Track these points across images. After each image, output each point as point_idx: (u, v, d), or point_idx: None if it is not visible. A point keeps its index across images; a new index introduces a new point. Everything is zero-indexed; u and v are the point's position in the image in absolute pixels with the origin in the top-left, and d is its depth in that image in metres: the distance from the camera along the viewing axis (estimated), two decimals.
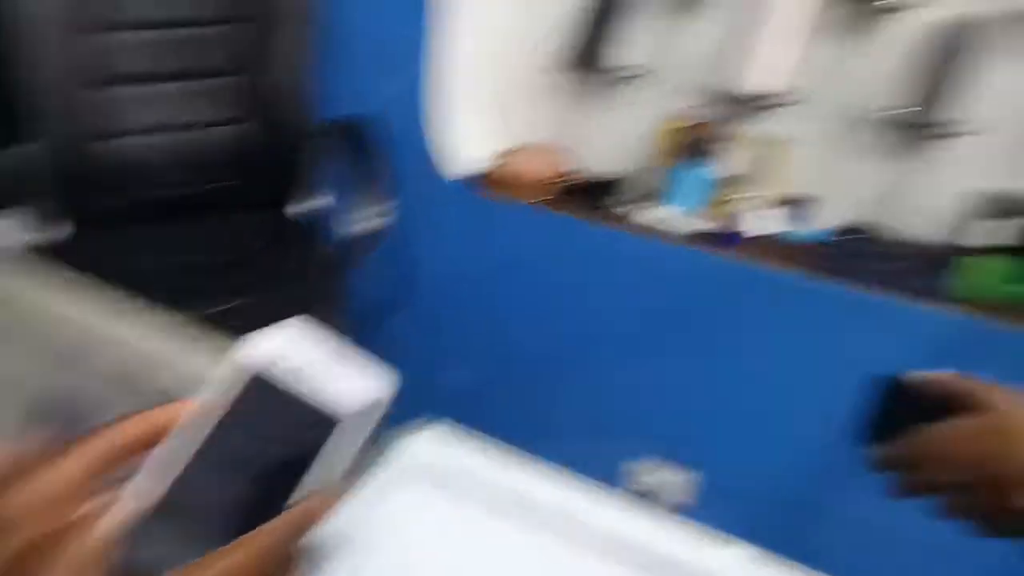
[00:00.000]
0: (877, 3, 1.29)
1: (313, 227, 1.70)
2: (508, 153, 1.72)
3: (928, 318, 1.33)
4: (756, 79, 1.38)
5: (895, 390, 0.63)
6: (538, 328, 1.75)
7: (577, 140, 1.74)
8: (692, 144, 1.56)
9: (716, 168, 1.55)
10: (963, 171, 1.39)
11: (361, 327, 1.83)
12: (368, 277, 1.69)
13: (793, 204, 1.56)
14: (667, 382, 1.64)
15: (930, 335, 1.34)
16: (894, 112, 1.35)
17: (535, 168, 1.66)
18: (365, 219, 1.53)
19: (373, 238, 1.56)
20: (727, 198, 1.58)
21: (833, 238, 1.48)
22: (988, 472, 0.54)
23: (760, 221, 1.54)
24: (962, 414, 0.57)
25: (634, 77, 1.57)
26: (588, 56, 1.54)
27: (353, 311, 1.68)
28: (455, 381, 1.77)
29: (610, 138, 1.70)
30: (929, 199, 1.44)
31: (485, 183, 1.69)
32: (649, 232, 1.55)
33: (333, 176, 1.69)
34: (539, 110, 1.75)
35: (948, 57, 1.28)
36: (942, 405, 0.58)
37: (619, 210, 1.61)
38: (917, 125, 1.31)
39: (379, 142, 1.58)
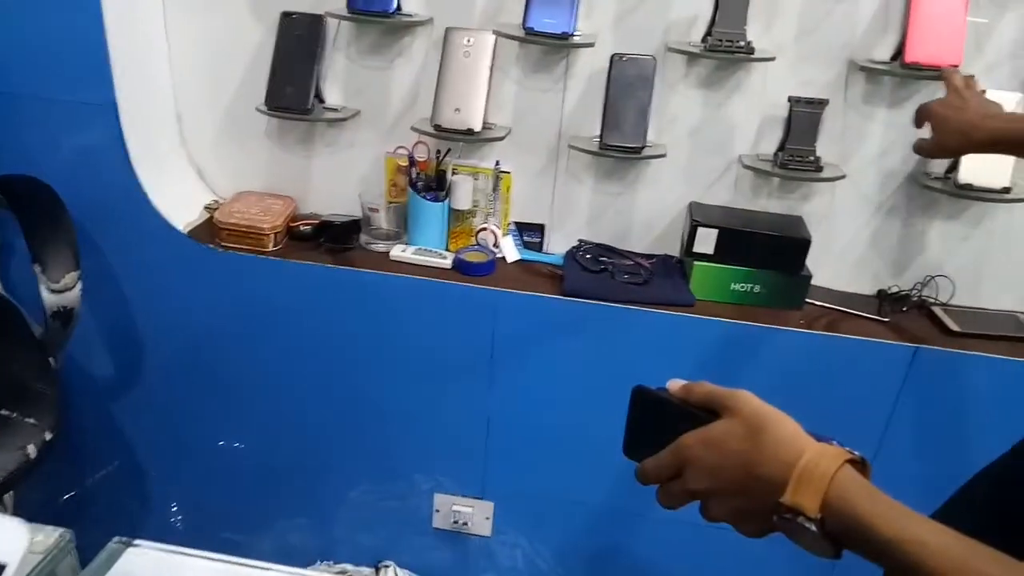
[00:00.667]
0: (566, 44, 1.36)
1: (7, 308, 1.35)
2: (228, 202, 1.55)
3: (676, 323, 1.41)
4: (466, 116, 1.39)
5: (646, 402, 0.63)
6: (297, 384, 1.59)
7: (302, 184, 1.60)
8: (421, 180, 1.50)
9: (449, 201, 1.51)
10: (666, 189, 1.51)
11: (79, 412, 1.65)
12: (81, 353, 1.51)
13: (528, 230, 1.58)
14: (446, 416, 1.57)
15: (681, 339, 1.42)
16: (596, 140, 1.42)
17: (261, 216, 1.48)
18: (61, 291, 1.26)
19: (71, 312, 1.29)
20: (464, 229, 1.55)
21: (571, 258, 1.51)
22: (738, 475, 0.54)
23: (500, 248, 1.53)
24: (711, 419, 0.58)
25: (349, 118, 1.49)
26: (300, 99, 1.43)
27: (71, 391, 1.49)
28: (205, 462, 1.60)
29: (336, 180, 1.59)
30: (646, 215, 1.54)
31: (206, 235, 1.51)
32: (393, 269, 1.46)
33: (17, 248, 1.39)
34: (255, 156, 1.59)
35: (628, 89, 1.39)
36: (691, 412, 0.59)
37: (359, 250, 1.50)
38: (618, 149, 1.40)
39: (61, 204, 1.33)
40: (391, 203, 1.55)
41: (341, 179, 1.58)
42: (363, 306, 1.48)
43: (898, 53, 1.32)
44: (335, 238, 1.50)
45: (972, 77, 1.12)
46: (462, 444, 1.59)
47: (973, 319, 1.43)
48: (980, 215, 1.45)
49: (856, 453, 0.53)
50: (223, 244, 1.48)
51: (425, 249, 1.51)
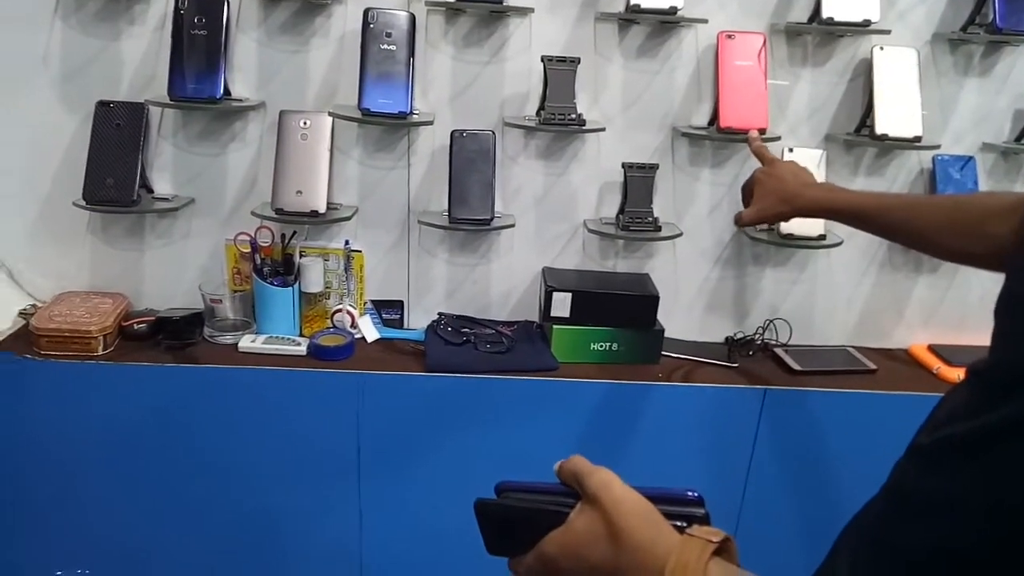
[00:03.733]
0: (405, 123, 1.38)
1: None
2: (47, 306, 1.41)
3: (542, 387, 1.40)
4: (308, 198, 1.36)
5: (491, 513, 0.60)
6: (144, 497, 1.44)
7: (134, 280, 1.49)
8: (267, 266, 1.44)
9: (299, 285, 1.45)
10: (519, 256, 1.54)
11: None
12: None
13: (386, 307, 1.54)
14: (315, 515, 1.46)
15: (548, 403, 1.41)
16: (445, 214, 1.43)
17: (86, 317, 1.36)
18: None
19: None
20: (318, 312, 1.49)
21: (432, 332, 1.48)
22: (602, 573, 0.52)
23: (358, 329, 1.48)
24: (567, 508, 0.55)
25: (182, 207, 1.41)
26: (123, 191, 1.33)
27: None
28: None
29: (173, 272, 1.49)
30: (502, 283, 1.55)
31: (22, 345, 1.36)
32: (242, 362, 1.36)
33: None
34: (77, 253, 1.46)
35: (471, 163, 1.42)
36: (542, 511, 0.57)
37: (203, 345, 1.40)
38: (467, 222, 1.41)
39: None
40: (236, 292, 1.46)
41: (178, 271, 1.48)
42: (212, 405, 1.37)
43: (714, 119, 1.44)
44: (174, 334, 1.39)
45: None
46: (333, 544, 1.48)
47: (811, 357, 1.54)
48: (804, 261, 1.57)
49: (717, 537, 0.51)
50: (42, 352, 1.33)
51: (276, 337, 1.43)
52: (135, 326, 1.40)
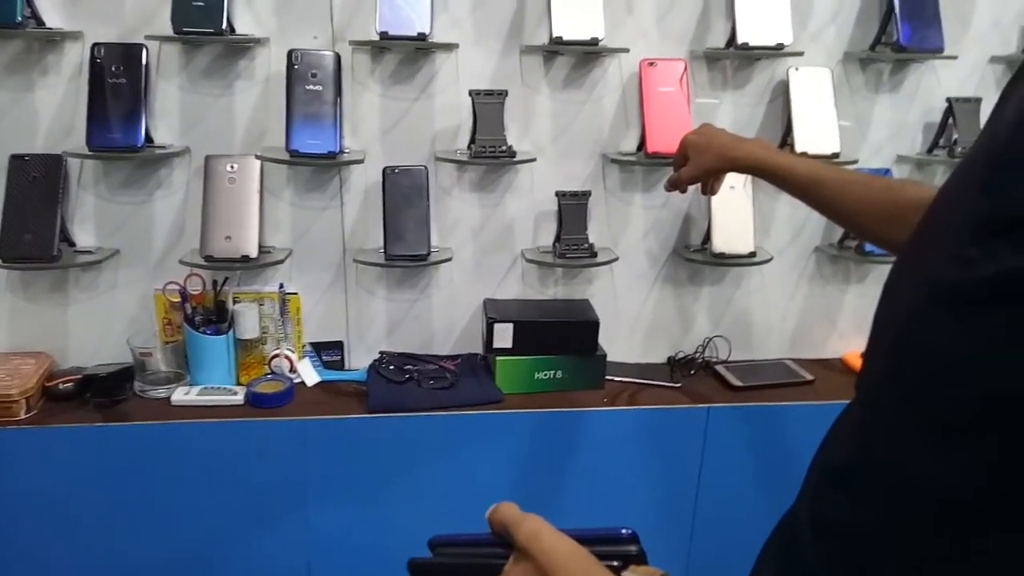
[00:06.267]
0: (336, 163, 1.37)
1: None
2: None
3: (487, 421, 1.40)
4: (239, 243, 1.34)
5: (425, 573, 0.57)
6: (83, 568, 1.34)
7: (58, 338, 1.43)
8: (199, 314, 1.40)
9: (233, 332, 1.41)
10: (459, 289, 1.54)
11: None
12: None
13: (326, 349, 1.51)
14: (262, 569, 1.40)
15: (494, 436, 1.40)
16: (381, 251, 1.42)
17: (6, 380, 1.30)
18: None
19: None
20: (255, 359, 1.45)
21: (374, 372, 1.46)
22: None
23: (298, 373, 1.45)
24: (501, 560, 0.54)
25: (106, 259, 1.37)
26: (43, 246, 1.29)
27: None
28: None
29: (100, 327, 1.43)
30: (444, 317, 1.54)
31: None
32: (176, 416, 1.31)
33: None
34: None
35: (405, 199, 1.41)
36: (474, 565, 0.55)
37: (134, 401, 1.35)
38: (404, 258, 1.41)
39: None
40: (167, 343, 1.42)
41: (106, 325, 1.43)
42: (146, 463, 1.32)
43: (641, 144, 1.47)
44: (103, 391, 1.33)
45: None
46: None
47: (751, 372, 1.57)
48: (737, 278, 1.61)
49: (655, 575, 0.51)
50: None
51: (211, 388, 1.39)
52: (60, 386, 1.34)
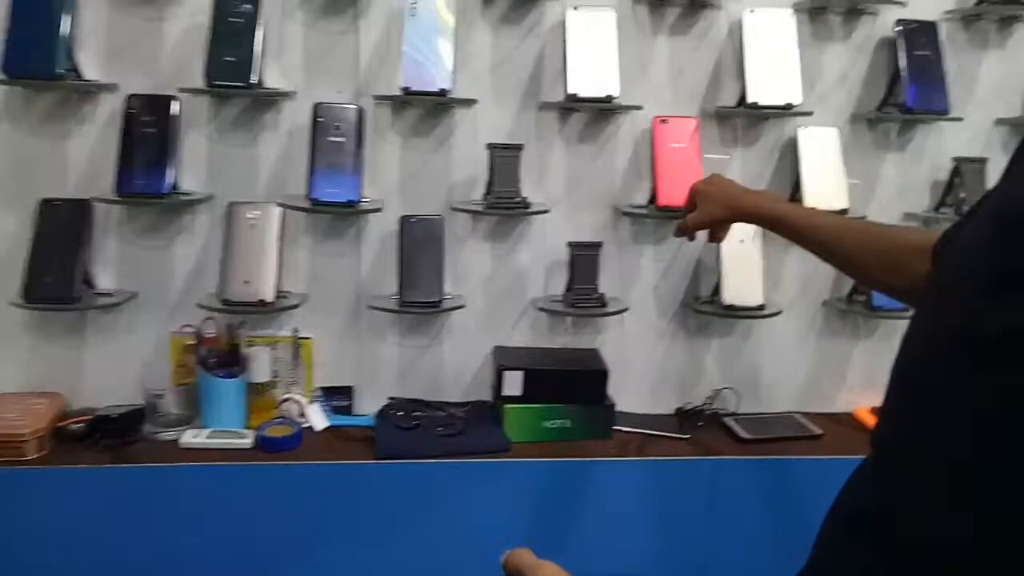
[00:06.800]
0: (355, 211, 1.40)
1: None
2: None
3: (494, 469, 1.39)
4: (257, 287, 1.36)
5: None
6: None
7: (73, 378, 1.45)
8: (213, 357, 1.41)
9: (244, 376, 1.42)
10: (470, 336, 1.55)
11: None
12: None
13: (335, 394, 1.52)
14: None
15: (501, 485, 1.39)
16: (395, 298, 1.43)
17: (18, 420, 1.30)
18: None
19: None
20: (266, 403, 1.46)
21: (382, 418, 1.46)
22: None
23: (307, 417, 1.45)
24: None
25: (124, 302, 1.39)
26: (63, 288, 1.31)
27: None
28: None
29: (114, 368, 1.45)
30: (454, 364, 1.55)
31: None
32: (185, 459, 1.32)
33: None
34: (10, 353, 1.42)
35: (421, 248, 1.44)
36: None
37: (144, 443, 1.35)
38: (417, 305, 1.43)
39: None
40: (180, 385, 1.43)
41: (120, 367, 1.44)
42: (152, 506, 1.31)
43: (653, 198, 1.49)
44: (113, 433, 1.34)
45: None
46: None
47: (759, 425, 1.56)
48: (747, 330, 1.62)
49: None
50: None
51: (221, 431, 1.39)
52: (70, 427, 1.35)
